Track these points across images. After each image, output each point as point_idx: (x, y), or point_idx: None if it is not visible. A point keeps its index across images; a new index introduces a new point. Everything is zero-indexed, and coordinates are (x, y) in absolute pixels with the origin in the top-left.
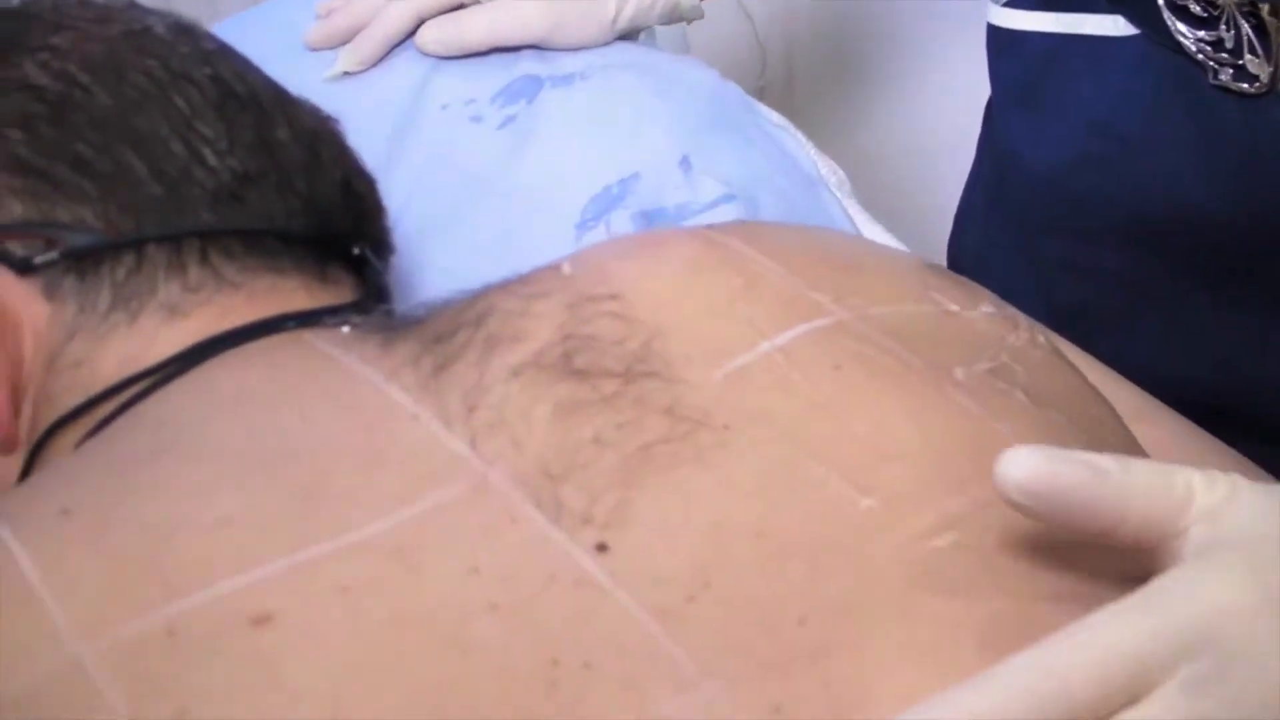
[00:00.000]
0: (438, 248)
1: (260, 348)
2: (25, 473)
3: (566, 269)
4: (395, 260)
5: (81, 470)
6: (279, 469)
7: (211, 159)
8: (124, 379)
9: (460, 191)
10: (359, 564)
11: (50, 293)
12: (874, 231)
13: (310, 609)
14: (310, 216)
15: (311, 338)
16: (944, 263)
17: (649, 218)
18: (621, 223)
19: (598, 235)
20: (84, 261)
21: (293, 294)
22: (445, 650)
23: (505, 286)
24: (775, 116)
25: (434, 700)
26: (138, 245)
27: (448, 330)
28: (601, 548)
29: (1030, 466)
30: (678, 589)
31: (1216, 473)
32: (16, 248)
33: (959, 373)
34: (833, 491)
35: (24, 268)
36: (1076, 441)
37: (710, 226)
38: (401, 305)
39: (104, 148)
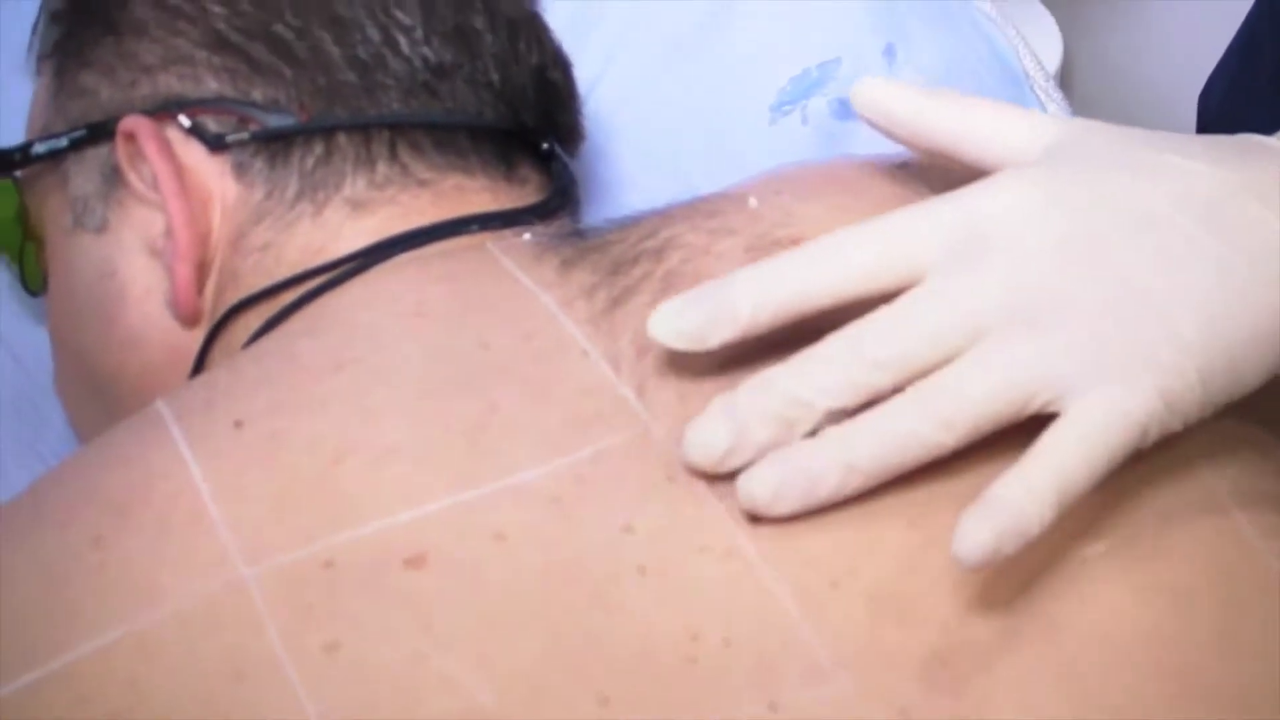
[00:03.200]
0: (630, 122)
1: (441, 253)
2: (204, 350)
3: (753, 203)
4: (585, 145)
5: (258, 376)
6: (451, 399)
7: (406, 47)
8: (307, 270)
9: (658, 59)
10: (516, 510)
11: (240, 173)
12: None
13: (464, 553)
14: (501, 109)
15: (493, 247)
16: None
17: (848, 108)
18: (819, 111)
19: (792, 123)
20: (275, 144)
21: (478, 194)
22: (590, 608)
23: (691, 213)
24: (987, 6)
25: (574, 660)
26: (328, 133)
27: (627, 259)
28: (754, 519)
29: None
30: (823, 571)
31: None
32: (210, 124)
33: None
34: (987, 483)
35: (217, 144)
36: (1243, 443)
37: (901, 163)
38: (587, 196)
39: (302, 30)
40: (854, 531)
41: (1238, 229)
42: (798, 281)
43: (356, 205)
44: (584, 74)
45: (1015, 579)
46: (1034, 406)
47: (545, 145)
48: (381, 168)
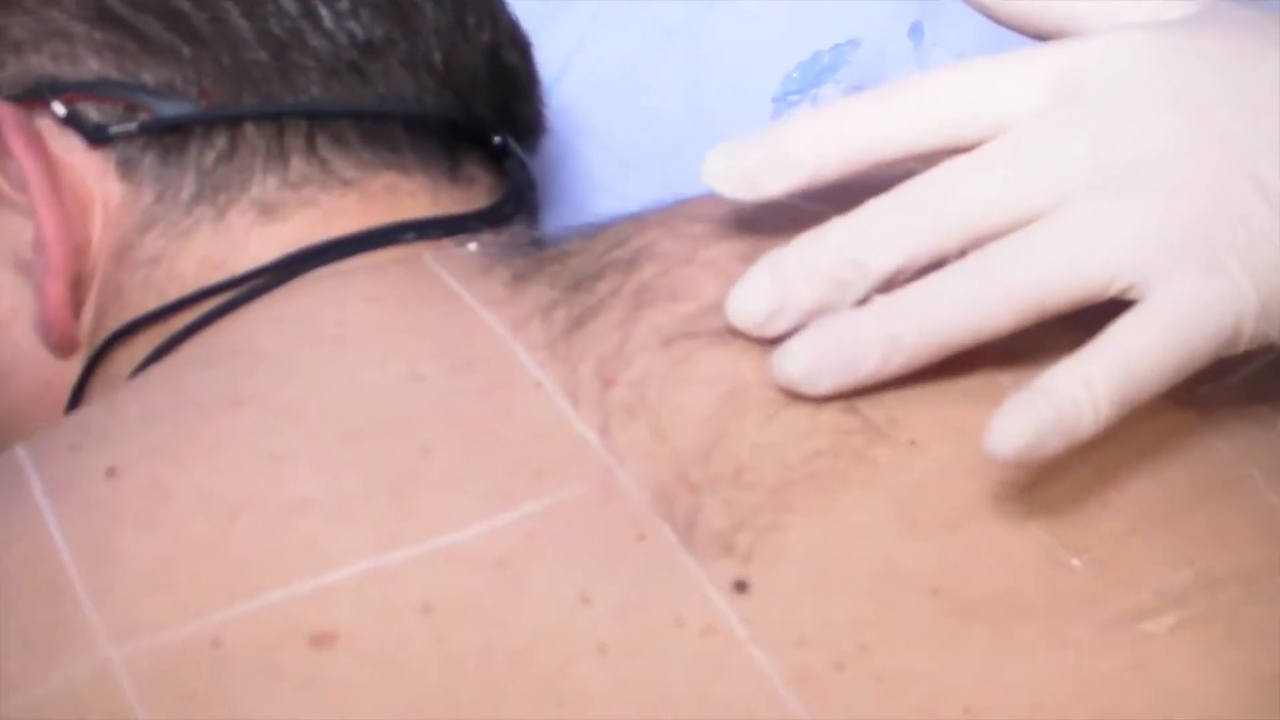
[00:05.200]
0: (604, 115)
1: (368, 266)
2: (81, 383)
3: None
4: (548, 140)
5: (139, 415)
6: (374, 443)
7: (329, 21)
8: (205, 288)
9: (637, 43)
10: (449, 577)
11: (126, 170)
12: None
13: (383, 630)
14: (444, 96)
15: (431, 259)
16: None
17: None
18: (831, 101)
19: None
20: (168, 137)
21: (414, 197)
22: (540, 699)
23: (670, 218)
24: None
25: None
26: (233, 123)
27: (591, 272)
28: (740, 586)
29: None
30: (825, 651)
31: None
32: (90, 112)
33: (1204, 390)
34: (1034, 544)
35: (97, 136)
36: None
37: None
38: (549, 202)
39: (203, 1)
40: (862, 600)
41: None
42: (865, 128)
43: (266, 209)
44: (549, 59)
45: (1066, 660)
46: (1114, 289)
47: (497, 139)
48: (297, 164)
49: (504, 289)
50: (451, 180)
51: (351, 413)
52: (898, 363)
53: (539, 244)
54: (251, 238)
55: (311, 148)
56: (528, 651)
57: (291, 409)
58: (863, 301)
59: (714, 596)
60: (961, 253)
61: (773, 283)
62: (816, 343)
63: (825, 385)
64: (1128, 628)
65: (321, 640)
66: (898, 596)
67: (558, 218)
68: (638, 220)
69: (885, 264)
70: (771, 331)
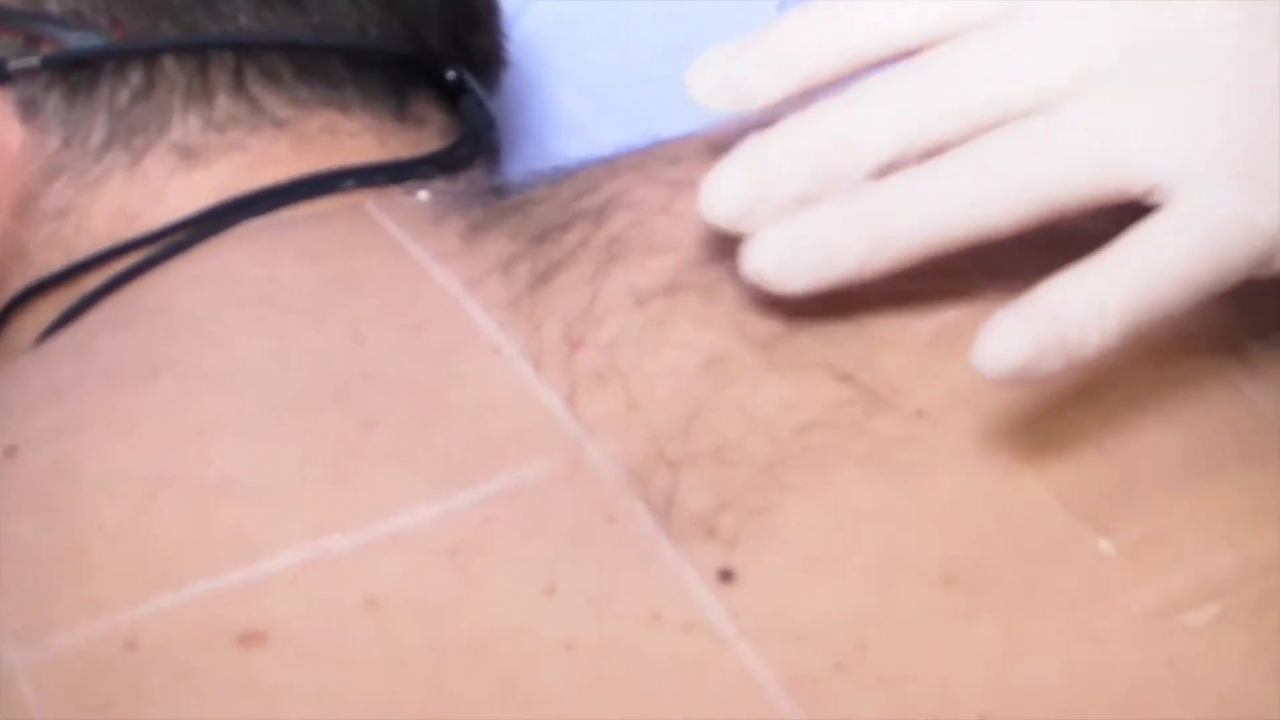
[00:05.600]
0: (573, 50)
1: (304, 218)
2: None
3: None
4: (510, 77)
5: (44, 386)
6: (310, 415)
7: None
8: (119, 244)
9: None
10: (397, 566)
11: (28, 112)
12: None
13: (321, 627)
14: (391, 26)
15: (375, 209)
16: None
17: None
18: None
19: None
20: (75, 74)
21: (356, 139)
22: (499, 702)
23: (646, 161)
24: None
25: None
26: (149, 56)
27: (558, 222)
28: (726, 576)
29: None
30: (824, 650)
31: None
32: None
33: (1254, 350)
34: (1057, 526)
35: None
36: None
37: None
38: (513, 146)
39: None
40: (865, 592)
41: None
42: (865, 22)
43: (188, 154)
44: None
45: (1094, 659)
46: (1135, 190)
47: (451, 75)
48: (223, 103)
49: (458, 241)
50: (399, 120)
51: (284, 381)
52: (885, 256)
53: (499, 191)
54: (171, 186)
55: (239, 84)
56: (485, 649)
57: (216, 377)
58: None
59: (696, 587)
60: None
61: (752, 168)
62: (793, 232)
63: (800, 281)
64: (1164, 620)
65: (251, 639)
66: (904, 587)
67: (521, 162)
68: (610, 164)
69: (881, 147)
70: (749, 226)
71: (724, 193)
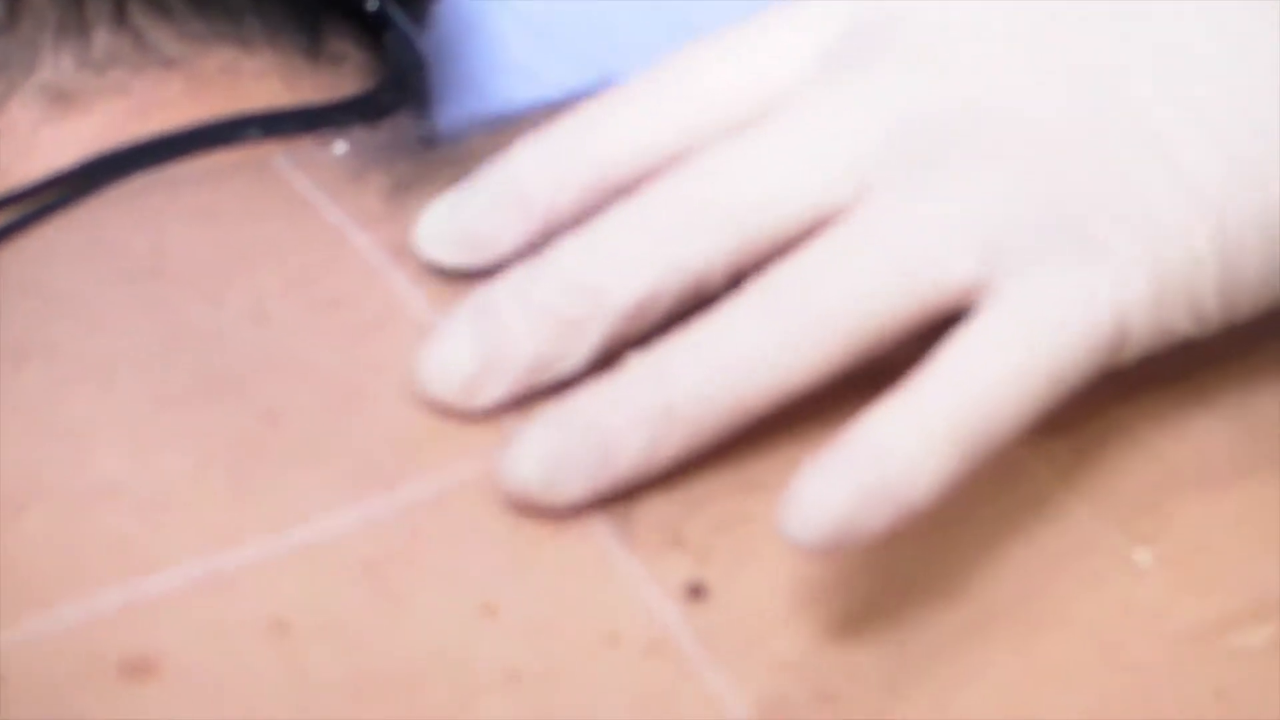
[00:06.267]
0: None
1: (198, 175)
2: None
3: None
4: (446, 10)
5: None
6: (206, 406)
7: None
8: None
9: None
10: (306, 584)
11: None
12: None
13: (221, 655)
14: None
15: (283, 163)
16: None
17: None
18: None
19: None
20: None
21: (260, 80)
22: None
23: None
24: None
25: None
26: None
27: None
28: (696, 592)
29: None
30: (809, 679)
31: None
32: None
33: None
34: (1083, 532)
35: None
36: None
37: None
38: (448, 91)
39: None
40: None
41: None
42: (601, 140)
43: (60, 98)
44: None
45: (1129, 688)
46: (952, 293)
47: (373, 6)
48: (101, 38)
49: (382, 203)
50: (311, 59)
51: (175, 370)
52: (673, 442)
53: (430, 142)
54: (41, 136)
55: (120, 16)
56: (414, 682)
57: (93, 366)
58: (608, 358)
59: (659, 604)
60: (732, 276)
61: (479, 331)
62: (553, 430)
63: (574, 490)
64: (1211, 643)
65: (137, 669)
66: (900, 605)
67: (457, 108)
68: (559, 110)
69: (627, 290)
70: (479, 402)
71: (446, 364)
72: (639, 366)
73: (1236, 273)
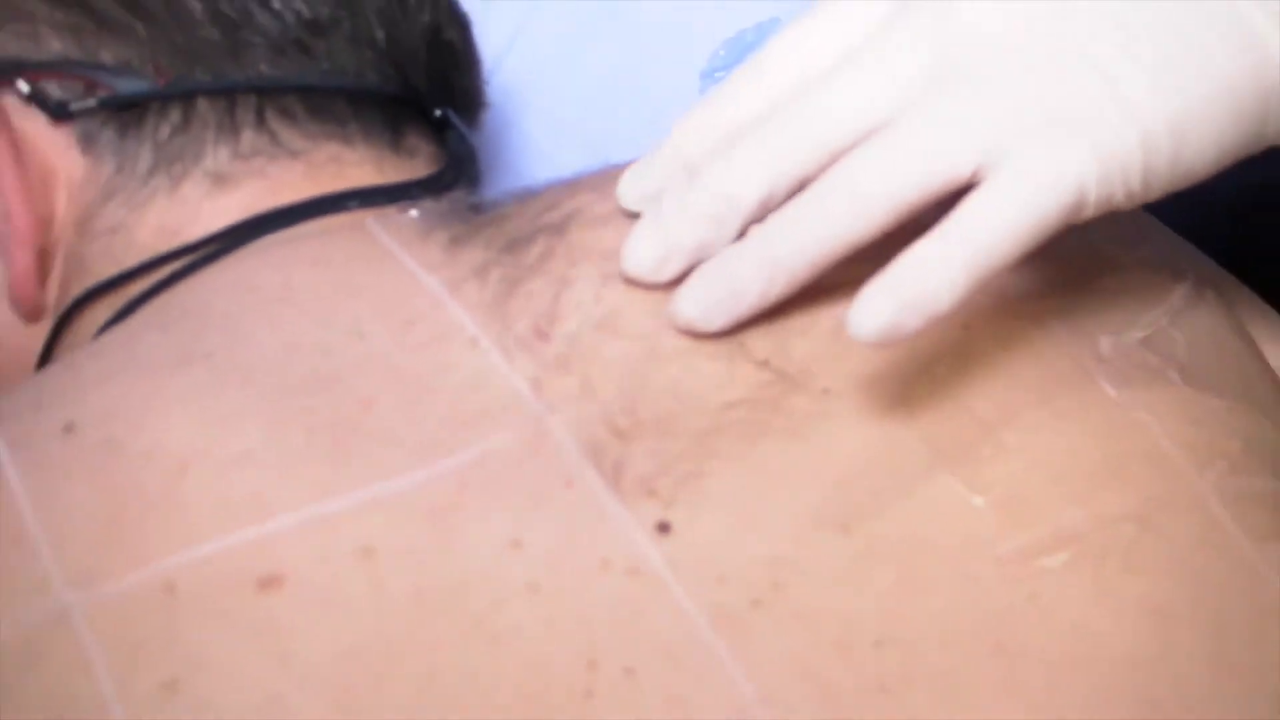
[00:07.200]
0: (543, 92)
1: (314, 232)
2: (49, 348)
3: None
4: (490, 115)
5: (96, 374)
6: (315, 395)
7: (277, 1)
8: (160, 255)
9: (573, 25)
10: (385, 524)
11: (87, 145)
12: None
13: (326, 573)
14: (386, 71)
15: (374, 225)
16: None
17: None
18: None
19: None
20: (126, 113)
21: (358, 167)
22: (472, 638)
23: (602, 182)
24: None
25: (451, 701)
26: (187, 98)
27: (525, 235)
28: (663, 528)
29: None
30: (743, 589)
31: None
32: (53, 89)
33: (1105, 344)
34: (939, 485)
35: (60, 113)
36: (1234, 436)
37: None
38: (493, 173)
39: None
40: (778, 541)
41: None
42: (746, 91)
43: (218, 179)
44: (492, 42)
45: (969, 594)
46: (964, 175)
47: (438, 113)
48: (248, 137)
49: (442, 252)
50: (394, 151)
51: (295, 368)
52: (781, 283)
53: (477, 209)
54: (204, 207)
55: (261, 121)
56: (459, 592)
57: (238, 367)
58: (742, 235)
59: (638, 538)
60: (823, 171)
61: (656, 230)
62: (704, 281)
63: (720, 320)
64: (1026, 563)
65: (269, 584)
66: (813, 538)
67: (496, 184)
68: (570, 185)
69: (752, 193)
70: (665, 277)
71: (639, 254)
72: (756, 235)
73: (1153, 159)
